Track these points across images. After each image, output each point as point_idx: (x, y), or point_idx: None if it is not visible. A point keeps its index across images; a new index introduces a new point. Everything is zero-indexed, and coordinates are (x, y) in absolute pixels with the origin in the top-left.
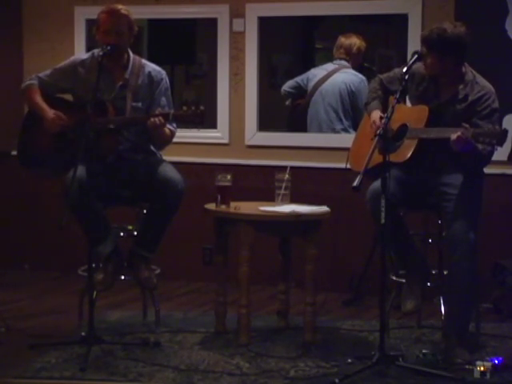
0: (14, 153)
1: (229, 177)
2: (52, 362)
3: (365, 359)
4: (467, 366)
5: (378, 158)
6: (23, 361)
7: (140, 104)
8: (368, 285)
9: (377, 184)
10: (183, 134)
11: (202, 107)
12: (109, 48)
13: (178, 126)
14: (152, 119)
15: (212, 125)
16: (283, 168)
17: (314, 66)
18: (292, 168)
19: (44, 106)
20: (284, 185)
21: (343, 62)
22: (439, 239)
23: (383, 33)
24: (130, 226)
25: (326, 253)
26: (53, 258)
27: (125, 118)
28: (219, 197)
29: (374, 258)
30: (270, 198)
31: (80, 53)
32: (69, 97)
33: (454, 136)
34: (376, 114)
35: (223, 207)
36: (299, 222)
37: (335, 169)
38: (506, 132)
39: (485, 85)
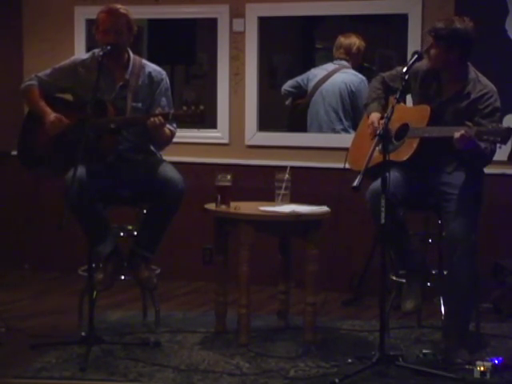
0: (14, 153)
1: (229, 177)
2: (52, 362)
3: (365, 359)
4: (467, 366)
5: (378, 158)
6: (23, 361)
7: (140, 104)
8: (368, 285)
9: (377, 184)
10: (183, 134)
11: (201, 107)
12: (109, 48)
13: (178, 126)
14: (152, 119)
15: (212, 125)
16: (283, 168)
17: (314, 66)
18: (292, 168)
19: (45, 108)
20: (284, 185)
21: (343, 62)
22: (439, 239)
23: (383, 33)
24: (130, 226)
25: (326, 253)
26: (53, 258)
27: (125, 118)
28: (219, 197)
29: (374, 258)
30: (270, 198)
31: (80, 53)
32: (69, 97)
33: (457, 134)
34: (374, 116)
35: (223, 207)
36: (299, 221)
37: (335, 169)
38: (510, 130)
39: (487, 84)
